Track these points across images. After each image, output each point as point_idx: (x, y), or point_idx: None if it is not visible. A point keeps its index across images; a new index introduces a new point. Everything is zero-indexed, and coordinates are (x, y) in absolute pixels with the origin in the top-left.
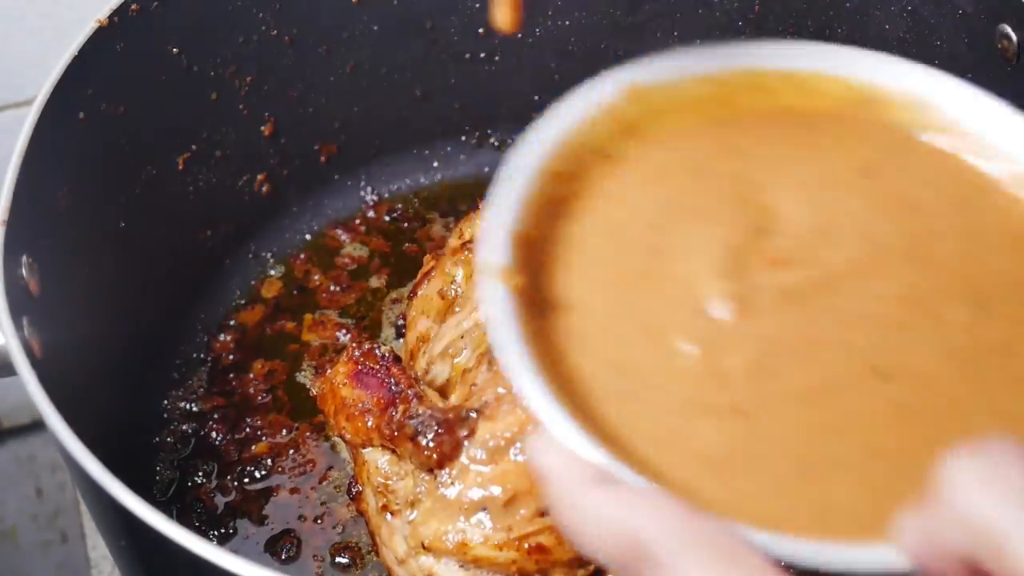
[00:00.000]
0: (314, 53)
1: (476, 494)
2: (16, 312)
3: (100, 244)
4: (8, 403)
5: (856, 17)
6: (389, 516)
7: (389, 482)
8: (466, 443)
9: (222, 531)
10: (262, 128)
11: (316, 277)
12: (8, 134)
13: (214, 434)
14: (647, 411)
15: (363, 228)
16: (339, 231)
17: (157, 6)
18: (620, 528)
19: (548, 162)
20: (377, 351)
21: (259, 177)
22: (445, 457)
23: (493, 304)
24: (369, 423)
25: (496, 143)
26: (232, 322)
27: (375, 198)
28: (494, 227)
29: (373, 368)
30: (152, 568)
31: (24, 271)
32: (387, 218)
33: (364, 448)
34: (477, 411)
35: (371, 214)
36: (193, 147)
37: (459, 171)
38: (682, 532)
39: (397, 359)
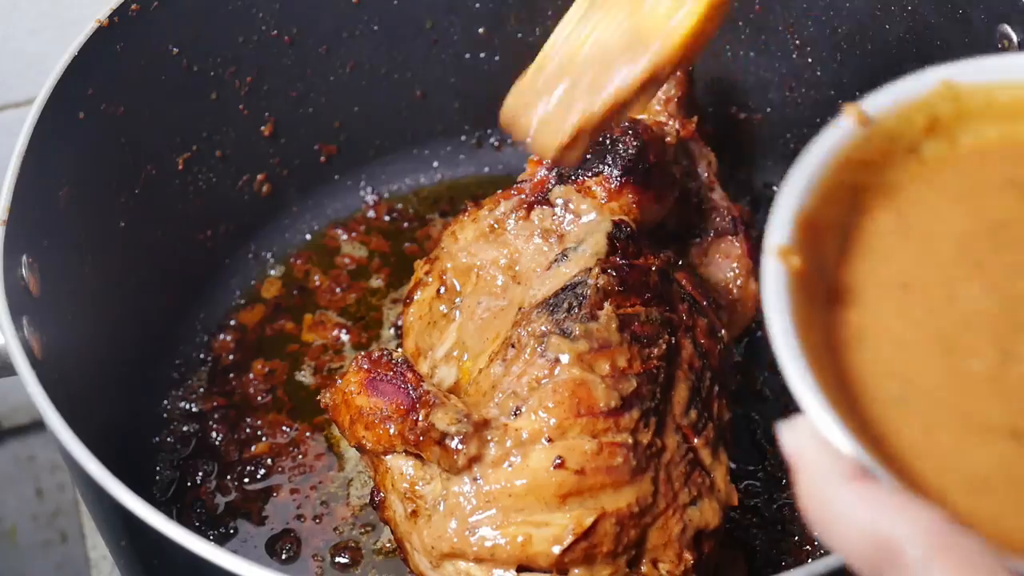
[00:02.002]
0: (314, 53)
1: (513, 491)
2: (16, 312)
3: (100, 244)
4: (8, 403)
5: (856, 17)
6: (421, 521)
7: (416, 487)
8: (494, 443)
9: (222, 531)
10: (262, 128)
11: (316, 277)
12: (8, 134)
13: (214, 434)
14: (918, 420)
15: (363, 228)
16: (339, 231)
17: (157, 6)
18: (870, 528)
19: (849, 148)
20: (389, 357)
21: (259, 177)
22: (474, 458)
23: (769, 281)
24: (391, 430)
25: (496, 143)
26: (232, 322)
27: (375, 198)
28: (781, 206)
29: (387, 375)
30: (152, 568)
31: (24, 271)
32: (387, 218)
33: (386, 455)
34: (515, 410)
35: (371, 214)
36: (193, 147)
37: (459, 171)
38: (934, 540)
39: (409, 364)
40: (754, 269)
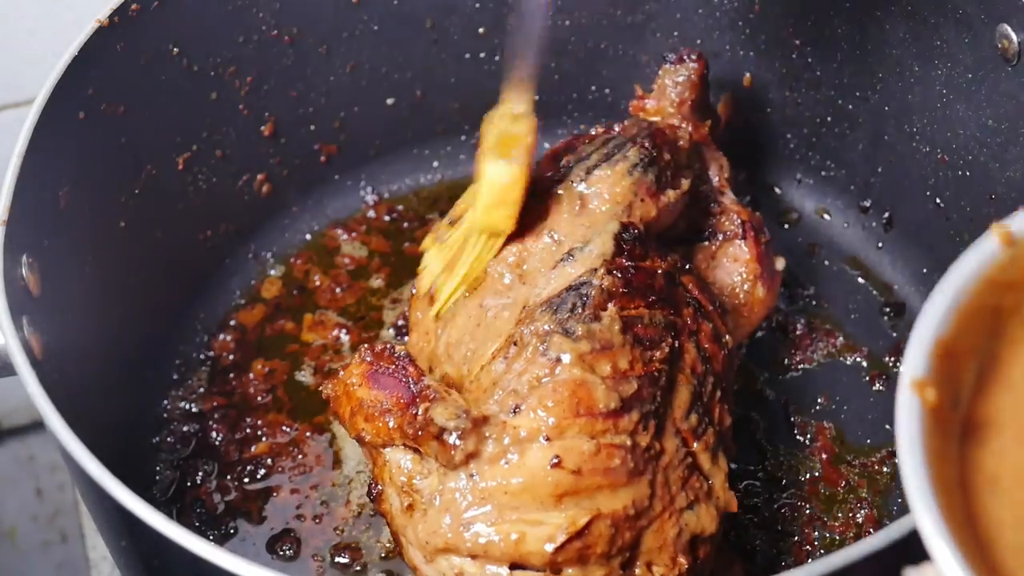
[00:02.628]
0: (314, 53)
1: (509, 489)
2: (16, 312)
3: (100, 244)
4: (8, 403)
5: (856, 17)
6: (417, 515)
7: (414, 481)
8: (491, 440)
9: (222, 531)
10: (262, 128)
11: (316, 277)
12: (8, 134)
13: (214, 434)
14: None
15: (363, 228)
16: (339, 231)
17: (157, 6)
18: None
19: (993, 270)
20: (391, 351)
21: (259, 177)
22: (471, 455)
23: (902, 417)
24: (391, 423)
25: None
26: (232, 322)
27: (375, 198)
28: (918, 335)
29: (389, 368)
30: (152, 568)
31: (24, 271)
32: (387, 218)
33: (384, 448)
34: (514, 408)
35: (371, 214)
36: (193, 147)
37: (459, 171)
38: None
39: (411, 358)
40: (762, 274)
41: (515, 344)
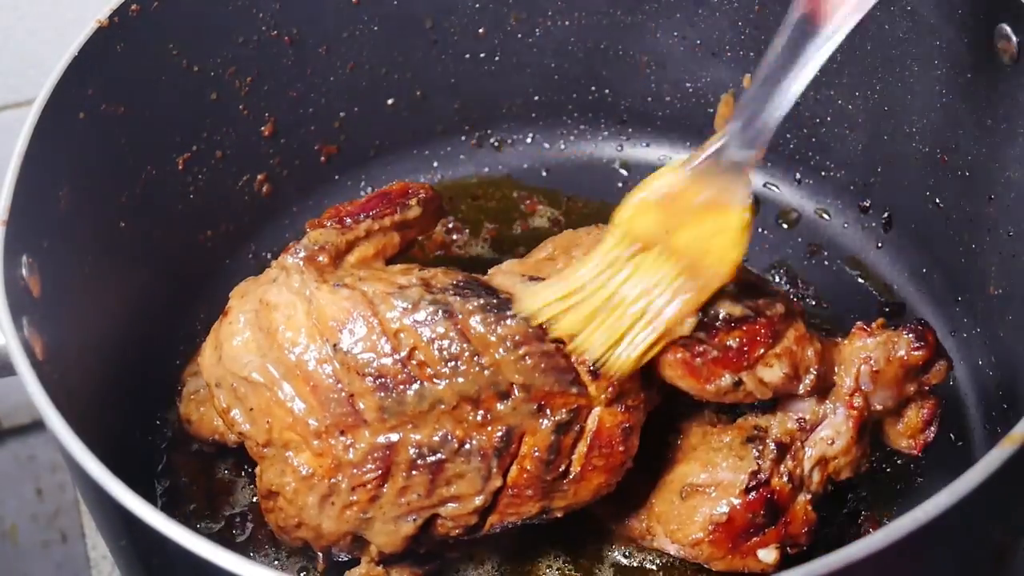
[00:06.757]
0: (314, 53)
1: None
2: (16, 312)
3: (100, 244)
4: (8, 403)
5: None
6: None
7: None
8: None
9: (222, 531)
10: (262, 128)
11: None
12: (8, 134)
13: None
14: None
15: None
16: None
17: (157, 6)
18: None
19: None
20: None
21: (259, 177)
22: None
23: None
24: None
25: (496, 143)
26: None
27: None
28: None
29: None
30: (152, 568)
31: (24, 271)
32: None
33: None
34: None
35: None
36: (193, 147)
37: (459, 171)
38: None
39: None
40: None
41: None
